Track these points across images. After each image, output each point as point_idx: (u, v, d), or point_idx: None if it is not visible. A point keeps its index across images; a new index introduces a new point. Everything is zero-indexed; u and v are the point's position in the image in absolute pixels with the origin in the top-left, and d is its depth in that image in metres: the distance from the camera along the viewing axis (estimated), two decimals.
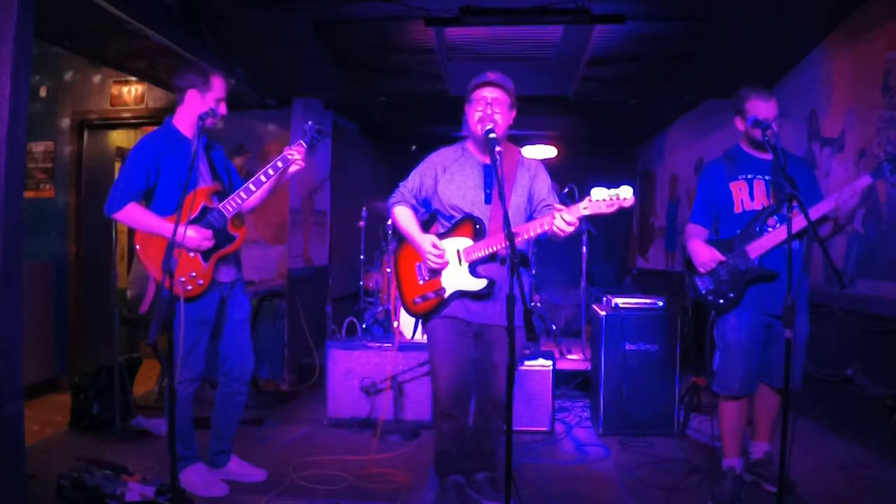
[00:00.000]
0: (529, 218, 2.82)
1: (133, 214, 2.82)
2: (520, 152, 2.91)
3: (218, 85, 2.95)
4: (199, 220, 2.88)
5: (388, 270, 5.11)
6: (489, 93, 2.72)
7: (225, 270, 3.01)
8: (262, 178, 2.92)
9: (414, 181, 2.89)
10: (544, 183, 2.86)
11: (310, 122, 3.01)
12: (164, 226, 2.80)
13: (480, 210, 2.76)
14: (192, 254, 2.86)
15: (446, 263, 2.76)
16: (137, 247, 2.87)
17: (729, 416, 2.97)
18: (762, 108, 2.82)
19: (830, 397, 3.86)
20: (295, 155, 2.95)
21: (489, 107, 2.69)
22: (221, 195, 2.98)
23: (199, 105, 2.92)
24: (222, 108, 2.97)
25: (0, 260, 2.28)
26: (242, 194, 2.92)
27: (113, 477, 2.65)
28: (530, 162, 2.91)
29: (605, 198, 2.44)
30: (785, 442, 2.28)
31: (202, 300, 2.89)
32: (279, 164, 2.92)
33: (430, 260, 2.75)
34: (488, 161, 2.78)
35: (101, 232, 4.58)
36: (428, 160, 2.89)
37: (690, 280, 3.02)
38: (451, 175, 2.82)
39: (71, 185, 5.23)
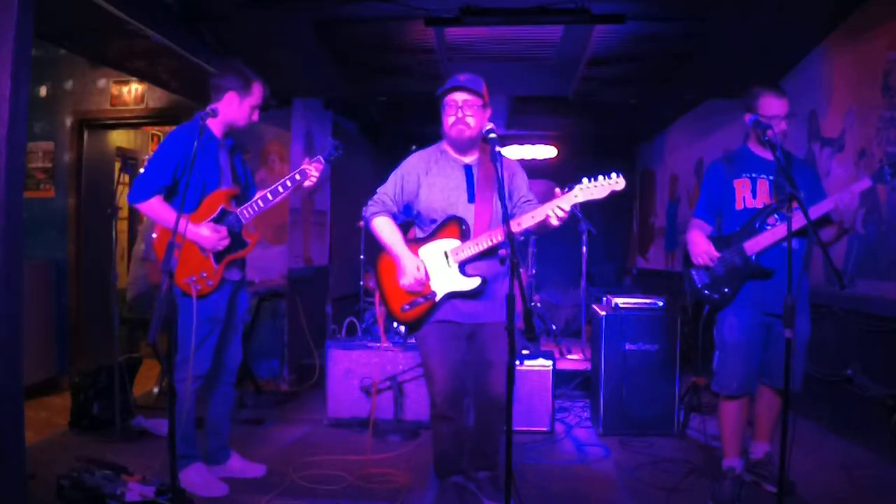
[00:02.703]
0: (511, 215, 2.82)
1: (155, 208, 2.83)
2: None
3: (258, 92, 2.98)
4: (217, 223, 2.90)
5: None
6: (459, 96, 2.73)
7: (235, 271, 3.03)
8: (280, 188, 2.94)
9: (395, 186, 2.84)
10: (523, 180, 2.90)
11: (330, 139, 3.02)
12: (183, 224, 2.80)
13: (464, 209, 2.76)
14: (206, 254, 2.87)
15: (421, 289, 2.73)
16: (154, 236, 2.90)
17: (729, 415, 2.97)
18: (774, 105, 2.83)
19: (830, 397, 3.86)
20: (312, 171, 2.96)
21: (460, 110, 2.72)
22: (239, 199, 3.01)
23: (235, 108, 2.94)
24: (255, 116, 3.02)
25: (0, 260, 2.28)
26: (260, 202, 2.95)
27: (113, 477, 2.64)
28: (508, 161, 2.92)
29: (596, 184, 2.51)
30: (785, 442, 2.27)
31: (212, 298, 2.91)
32: (297, 176, 2.95)
33: (406, 278, 2.72)
34: (467, 161, 2.83)
35: (101, 232, 4.57)
36: (406, 164, 2.87)
37: (687, 273, 3.02)
38: (433, 178, 2.81)
39: (71, 185, 5.23)
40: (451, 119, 2.74)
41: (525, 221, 2.63)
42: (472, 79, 2.75)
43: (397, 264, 2.77)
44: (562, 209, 2.53)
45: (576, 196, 2.54)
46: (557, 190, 2.58)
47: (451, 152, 2.85)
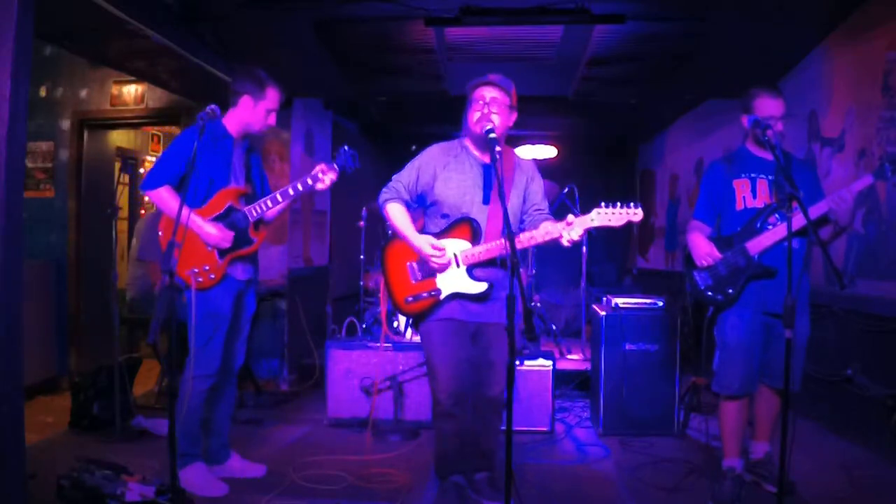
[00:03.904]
0: (520, 220, 2.83)
1: (163, 197, 2.86)
2: (515, 154, 2.93)
3: (272, 96, 3.01)
4: (222, 219, 2.92)
5: None
6: (488, 92, 2.71)
7: (241, 268, 3.04)
8: (290, 191, 2.97)
9: (410, 176, 2.82)
10: (539, 186, 2.89)
11: (345, 146, 3.00)
12: (186, 215, 2.82)
13: (478, 210, 2.75)
14: (209, 248, 2.89)
15: (449, 263, 2.72)
16: (160, 233, 2.94)
17: (729, 416, 2.97)
18: (770, 105, 2.83)
19: (830, 397, 3.86)
20: (324, 178, 2.95)
21: (487, 106, 2.70)
22: (249, 199, 3.04)
23: (250, 111, 2.98)
24: (272, 120, 3.05)
25: (0, 260, 2.28)
26: (268, 202, 2.98)
27: (113, 477, 2.64)
28: (526, 164, 2.93)
29: (614, 211, 2.51)
30: (785, 442, 2.27)
31: (213, 292, 2.92)
32: (308, 181, 2.96)
33: (432, 261, 2.70)
34: (487, 160, 2.78)
35: (101, 232, 4.58)
36: (425, 155, 2.85)
37: (689, 275, 3.02)
38: (450, 173, 2.79)
39: (71, 185, 5.23)
40: (477, 114, 2.71)
41: (538, 236, 2.62)
42: (503, 78, 2.75)
43: (411, 247, 2.76)
44: (577, 232, 2.53)
45: (592, 220, 2.54)
46: (571, 216, 2.57)
47: (472, 149, 2.83)
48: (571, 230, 2.54)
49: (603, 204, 2.53)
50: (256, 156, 3.20)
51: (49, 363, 4.97)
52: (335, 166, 2.96)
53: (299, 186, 2.96)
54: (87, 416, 3.84)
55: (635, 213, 2.51)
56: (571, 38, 4.18)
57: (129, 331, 5.39)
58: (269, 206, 2.99)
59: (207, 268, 2.89)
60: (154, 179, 2.88)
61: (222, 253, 2.92)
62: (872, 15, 3.61)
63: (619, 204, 2.52)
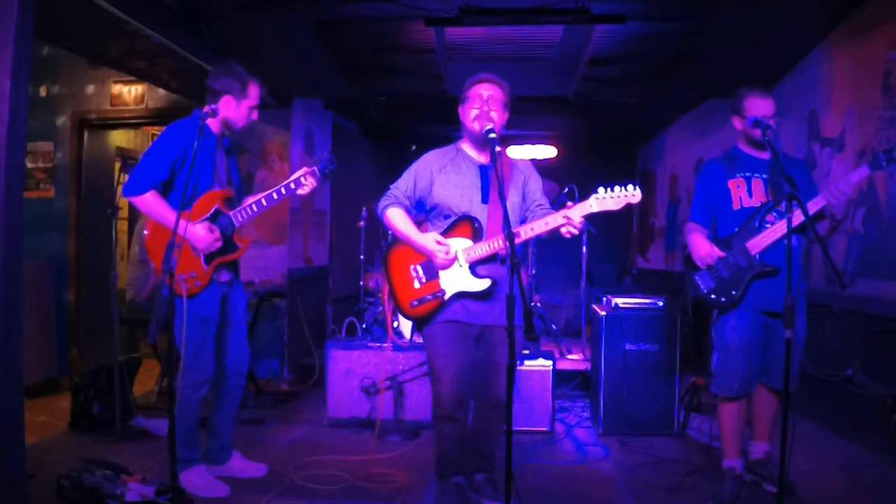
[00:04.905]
0: (522, 218, 2.83)
1: (150, 203, 2.81)
2: (507, 154, 2.93)
3: (254, 93, 2.98)
4: (210, 221, 2.89)
5: None
6: (485, 90, 2.72)
7: (224, 272, 3.03)
8: (275, 195, 2.95)
9: (407, 182, 2.83)
10: (537, 183, 2.89)
11: (326, 152, 3.04)
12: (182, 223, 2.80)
13: (477, 210, 2.75)
14: (196, 253, 2.86)
15: (455, 259, 2.71)
16: (146, 233, 2.90)
17: (728, 416, 2.97)
18: (760, 105, 2.84)
19: (830, 397, 3.86)
20: (306, 182, 2.97)
21: (486, 104, 2.70)
22: (231, 202, 3.01)
23: (234, 110, 2.95)
24: (255, 115, 3.02)
25: (0, 260, 2.28)
26: (254, 207, 2.95)
27: (113, 477, 2.64)
28: (523, 163, 2.94)
29: (612, 195, 2.49)
30: (785, 442, 2.28)
31: (202, 297, 2.90)
32: (291, 185, 2.96)
33: (438, 258, 2.70)
34: (484, 161, 2.80)
35: (101, 232, 4.58)
36: (421, 161, 2.86)
37: (690, 278, 3.01)
38: (447, 175, 2.79)
39: (71, 185, 5.23)
40: (475, 112, 2.72)
41: (538, 227, 2.61)
42: (498, 77, 2.76)
43: (416, 248, 2.75)
44: (576, 218, 2.52)
45: (591, 206, 2.51)
46: (570, 203, 2.57)
47: (468, 151, 2.83)
48: (570, 218, 2.52)
49: (600, 189, 2.51)
50: (234, 158, 3.17)
51: (49, 363, 4.97)
52: (315, 171, 2.98)
53: (283, 191, 2.95)
54: (87, 416, 3.84)
55: (633, 196, 2.48)
56: (571, 38, 4.18)
57: (129, 331, 5.40)
58: (255, 211, 2.95)
59: (194, 274, 2.85)
60: (139, 184, 2.79)
61: (208, 259, 2.89)
62: (872, 15, 3.61)
63: (617, 187, 2.49)
